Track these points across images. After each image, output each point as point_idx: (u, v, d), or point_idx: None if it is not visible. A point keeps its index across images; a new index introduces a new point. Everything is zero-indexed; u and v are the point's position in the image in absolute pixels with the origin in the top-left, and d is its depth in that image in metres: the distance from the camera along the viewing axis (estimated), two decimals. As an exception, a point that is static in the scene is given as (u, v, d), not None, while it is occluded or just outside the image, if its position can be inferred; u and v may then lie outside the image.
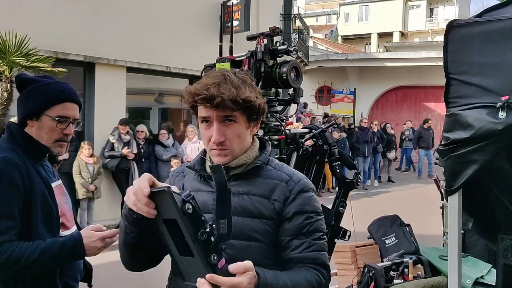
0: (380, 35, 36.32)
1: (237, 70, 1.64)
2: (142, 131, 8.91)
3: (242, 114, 1.54)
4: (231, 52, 2.43)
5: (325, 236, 1.61)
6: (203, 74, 2.55)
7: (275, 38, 2.41)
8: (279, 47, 2.35)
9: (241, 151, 1.60)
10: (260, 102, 1.57)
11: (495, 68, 1.78)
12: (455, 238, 1.94)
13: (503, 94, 1.73)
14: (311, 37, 25.07)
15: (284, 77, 2.26)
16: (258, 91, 1.60)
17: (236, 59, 2.37)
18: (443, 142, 1.98)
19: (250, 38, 2.42)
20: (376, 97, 21.28)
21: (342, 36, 37.25)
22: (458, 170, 1.91)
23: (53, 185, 1.99)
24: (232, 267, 1.31)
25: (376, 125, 14.44)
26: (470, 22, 1.87)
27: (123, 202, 6.60)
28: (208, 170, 1.62)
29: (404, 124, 16.39)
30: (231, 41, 2.47)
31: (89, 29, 8.27)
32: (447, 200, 2.00)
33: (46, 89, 1.97)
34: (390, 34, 35.90)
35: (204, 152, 1.69)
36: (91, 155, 7.94)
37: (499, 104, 1.72)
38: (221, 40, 2.52)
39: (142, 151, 8.80)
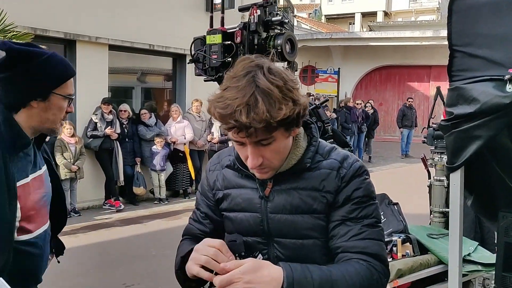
0: (364, 14, 36.18)
1: (267, 63, 1.32)
2: (125, 111, 8.75)
3: (280, 131, 1.30)
4: (222, 24, 2.31)
5: (380, 224, 1.42)
6: (192, 48, 2.43)
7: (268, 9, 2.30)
8: (273, 18, 2.24)
9: (283, 159, 1.41)
10: (300, 107, 1.30)
11: (502, 40, 1.70)
12: (457, 215, 1.88)
13: (510, 66, 1.66)
14: (295, 16, 24.81)
15: (279, 50, 2.16)
16: (298, 91, 1.32)
17: (228, 31, 2.26)
18: (445, 117, 1.91)
19: (242, 9, 2.31)
20: (360, 76, 21.27)
21: (325, 16, 37.03)
22: (461, 146, 1.84)
23: (29, 178, 1.71)
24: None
25: (360, 104, 14.46)
26: (476, -10, 1.78)
27: (106, 182, 6.53)
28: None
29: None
30: (223, 11, 2.35)
31: (69, 5, 8.01)
32: (447, 178, 1.94)
33: (53, 63, 1.68)
34: (373, 14, 35.79)
35: None
36: (73, 135, 7.78)
37: (507, 77, 1.65)
38: (211, 11, 2.39)
39: (126, 130, 8.67)
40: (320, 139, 1.50)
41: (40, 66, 1.64)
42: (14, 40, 6.32)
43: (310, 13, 34.70)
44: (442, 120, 1.93)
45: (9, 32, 6.37)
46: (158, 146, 8.89)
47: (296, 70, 2.39)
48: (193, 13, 9.33)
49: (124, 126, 8.64)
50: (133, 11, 8.92)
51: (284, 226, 1.41)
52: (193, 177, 9.73)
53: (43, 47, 6.04)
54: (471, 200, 2.07)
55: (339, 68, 19.86)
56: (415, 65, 20.10)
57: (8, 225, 1.60)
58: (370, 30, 27.46)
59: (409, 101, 15.53)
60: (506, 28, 1.70)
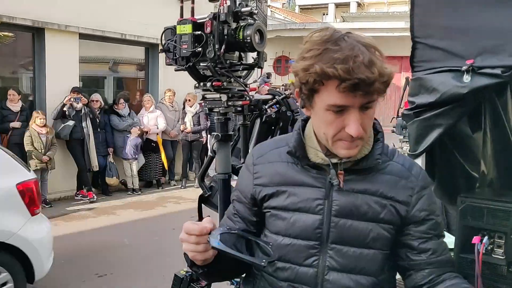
0: (337, 5, 36.35)
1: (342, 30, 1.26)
2: (97, 101, 8.65)
3: (377, 96, 1.23)
4: (192, 14, 2.32)
5: None
6: (162, 38, 2.44)
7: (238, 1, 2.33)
8: (242, 9, 2.26)
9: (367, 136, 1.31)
10: (394, 70, 1.25)
11: (461, 32, 1.77)
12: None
13: (468, 57, 1.73)
14: (269, 6, 24.76)
15: (248, 40, 2.19)
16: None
17: (198, 21, 2.27)
18: (409, 107, 1.98)
19: (212, 0, 2.32)
20: (333, 67, 21.43)
21: (299, 6, 37.06)
22: (422, 134, 1.92)
23: None
24: None
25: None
26: (437, -16, 1.86)
27: (78, 172, 6.51)
28: (313, 158, 1.34)
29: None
30: (193, 2, 2.36)
31: (37, -8, 7.84)
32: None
33: None
34: (347, 4, 35.99)
35: (303, 130, 1.39)
36: (44, 125, 7.65)
37: (464, 68, 1.72)
38: (182, 1, 2.40)
39: (98, 120, 8.56)
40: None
41: None
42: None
43: (284, 3, 34.68)
44: (405, 109, 2.01)
45: (-26, 19, 6.22)
46: (132, 136, 8.85)
47: (266, 61, 2.42)
48: (166, 2, 9.24)
49: (96, 116, 8.54)
50: (104, -1, 8.79)
51: (348, 232, 1.31)
52: (166, 167, 9.71)
53: (8, 34, 5.88)
54: (434, 186, 2.16)
55: (312, 59, 19.94)
56: (387, 55, 20.32)
57: None
58: (343, 21, 27.64)
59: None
60: (465, 21, 1.77)
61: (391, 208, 1.31)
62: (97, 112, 8.60)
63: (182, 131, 9.67)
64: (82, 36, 8.67)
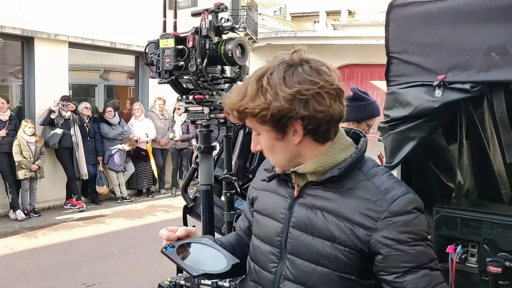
0: (328, 13, 36.63)
1: (295, 58, 1.27)
2: (88, 108, 8.70)
3: (261, 125, 1.28)
4: (175, 28, 2.37)
5: (439, 266, 1.27)
6: (146, 50, 2.48)
7: (221, 15, 2.38)
8: (223, 24, 2.31)
9: (291, 162, 1.33)
10: (277, 107, 1.20)
11: (433, 48, 1.83)
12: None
13: (440, 73, 1.79)
14: (260, 14, 24.92)
15: (230, 54, 2.23)
16: (296, 89, 1.20)
17: (181, 35, 2.32)
18: (384, 120, 2.04)
19: (194, 14, 2.37)
20: (324, 75, 21.54)
21: (290, 14, 37.30)
22: (397, 147, 1.97)
23: None
24: None
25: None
26: (410, 2, 1.91)
27: (67, 181, 6.54)
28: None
29: None
30: (175, 16, 2.41)
31: (26, 0, 7.85)
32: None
33: (373, 106, 3.01)
34: (338, 12, 36.28)
35: None
36: (33, 134, 7.65)
37: (435, 83, 1.78)
38: (165, 16, 2.45)
39: (87, 129, 8.57)
40: (369, 157, 1.38)
41: (367, 105, 2.98)
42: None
43: (275, 11, 34.90)
44: (381, 122, 2.06)
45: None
46: (126, 146, 8.88)
47: (248, 74, 2.47)
48: (155, 11, 9.29)
49: (85, 124, 8.54)
50: (93, 7, 8.82)
51: (302, 245, 1.33)
52: (156, 176, 9.72)
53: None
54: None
55: (303, 66, 20.06)
56: (377, 63, 20.51)
57: None
58: (334, 29, 27.87)
59: None
60: (437, 38, 1.83)
61: (347, 230, 1.26)
62: (87, 121, 8.61)
63: (172, 139, 9.70)
64: (72, 45, 8.70)
